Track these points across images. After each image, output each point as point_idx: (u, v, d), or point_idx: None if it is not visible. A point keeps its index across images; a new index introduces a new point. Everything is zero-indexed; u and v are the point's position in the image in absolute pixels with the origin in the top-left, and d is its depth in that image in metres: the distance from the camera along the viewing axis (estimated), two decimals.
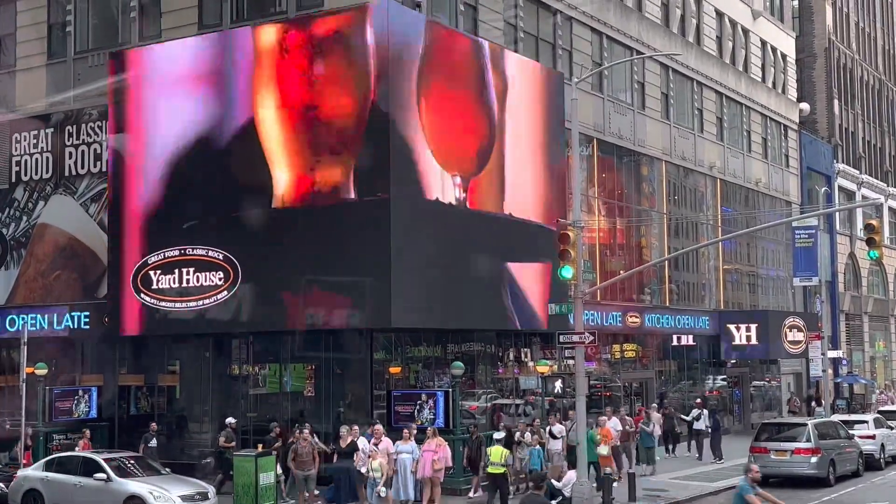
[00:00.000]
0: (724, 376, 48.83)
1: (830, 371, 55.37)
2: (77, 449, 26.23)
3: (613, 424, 28.36)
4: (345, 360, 29.20)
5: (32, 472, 24.14)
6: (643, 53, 42.01)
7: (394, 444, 22.80)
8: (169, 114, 29.07)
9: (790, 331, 45.11)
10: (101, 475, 22.29)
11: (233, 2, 30.29)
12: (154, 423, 28.50)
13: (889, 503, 26.30)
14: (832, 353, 56.39)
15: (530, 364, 33.23)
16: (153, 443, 26.93)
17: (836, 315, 60.78)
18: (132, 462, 23.62)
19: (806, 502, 26.87)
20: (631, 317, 39.80)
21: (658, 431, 33.32)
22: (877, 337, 71.63)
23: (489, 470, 23.47)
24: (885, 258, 71.65)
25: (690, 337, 44.96)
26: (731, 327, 46.39)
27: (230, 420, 26.37)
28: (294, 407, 29.45)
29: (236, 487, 23.96)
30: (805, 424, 30.69)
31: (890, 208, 75.09)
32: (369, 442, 22.77)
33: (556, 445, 25.64)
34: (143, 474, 22.90)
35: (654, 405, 37.54)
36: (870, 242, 23.04)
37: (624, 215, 41.23)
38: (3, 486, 24.36)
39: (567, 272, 23.75)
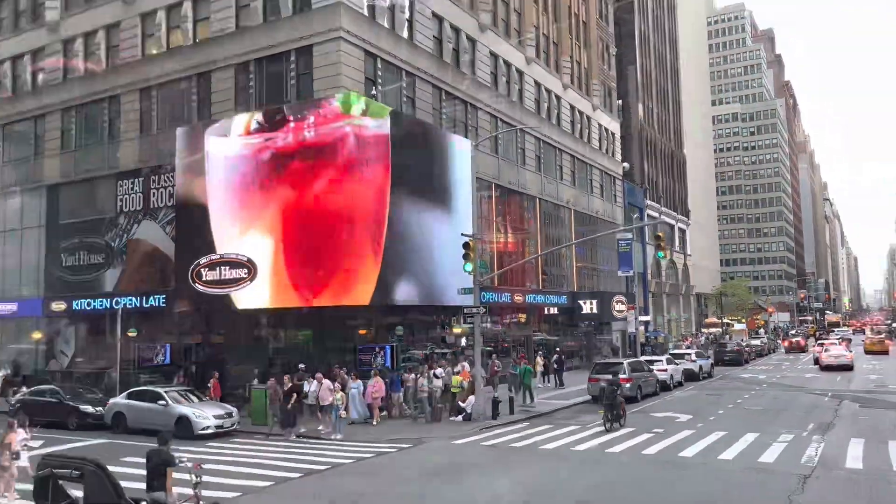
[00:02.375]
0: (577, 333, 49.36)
1: (642, 329, 56.27)
2: (209, 387, 25.51)
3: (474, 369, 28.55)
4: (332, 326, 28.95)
5: (119, 400, 23.91)
6: (525, 130, 42.53)
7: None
8: None
9: (616, 304, 45.73)
10: (162, 402, 22.51)
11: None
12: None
13: (672, 410, 26.88)
14: (643, 318, 57.27)
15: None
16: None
17: (647, 294, 62.01)
18: (183, 393, 23.37)
19: (631, 407, 27.25)
20: (517, 296, 40.18)
21: (540, 369, 34.04)
22: (671, 308, 73.29)
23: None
24: (675, 257, 73.43)
25: (556, 308, 45.45)
26: (581, 302, 46.96)
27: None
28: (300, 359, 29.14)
29: (254, 409, 24.09)
30: (622, 362, 31.26)
31: (679, 228, 76.89)
32: (310, 387, 22.58)
33: (438, 383, 25.03)
34: (189, 401, 22.69)
35: (538, 353, 38.03)
36: (658, 248, 23.74)
37: (513, 232, 41.66)
38: (100, 409, 24.01)
39: (468, 267, 24.05)
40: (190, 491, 10.56)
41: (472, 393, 24.93)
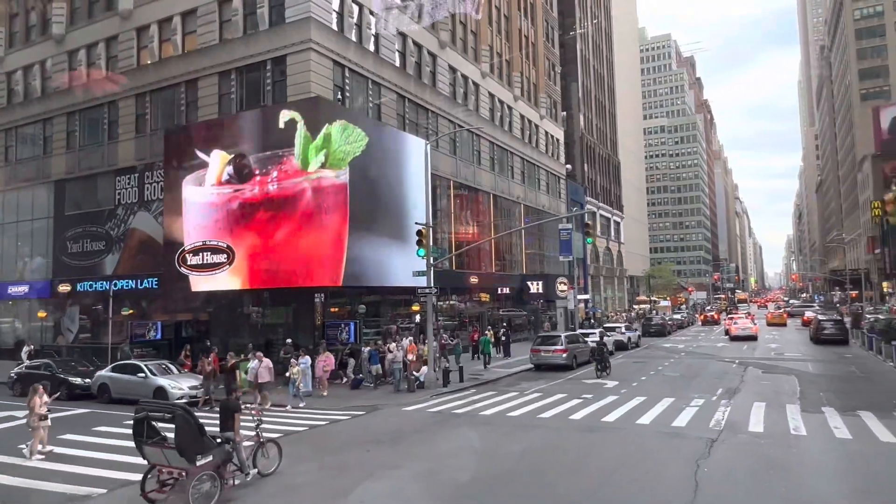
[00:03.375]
0: (525, 310, 47.97)
1: (582, 306, 55.14)
2: (209, 361, 22.09)
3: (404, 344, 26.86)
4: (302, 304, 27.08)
5: (104, 373, 21.92)
6: (481, 136, 40.89)
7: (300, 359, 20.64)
8: None
9: (559, 285, 44.51)
10: (142, 374, 20.57)
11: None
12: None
13: (602, 377, 25.62)
14: (583, 296, 56.10)
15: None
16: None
17: (587, 276, 60.82)
18: (163, 366, 21.38)
19: (561, 377, 26.00)
20: (473, 278, 38.67)
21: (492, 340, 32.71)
22: (608, 288, 72.27)
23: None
24: (611, 245, 72.35)
25: (508, 288, 44.01)
26: (529, 283, 45.60)
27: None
28: (274, 334, 27.27)
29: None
30: (560, 335, 29.85)
31: (615, 221, 75.82)
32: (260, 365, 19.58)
33: (399, 354, 23.14)
34: (166, 374, 20.76)
35: (491, 327, 36.58)
36: (587, 234, 22.32)
37: (469, 223, 40.06)
38: (88, 380, 22.08)
39: (421, 253, 22.42)
40: (252, 432, 11.78)
41: (425, 364, 23.42)
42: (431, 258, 23.22)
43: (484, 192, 41.81)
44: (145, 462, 10.23)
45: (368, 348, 23.60)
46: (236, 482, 10.75)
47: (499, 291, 43.67)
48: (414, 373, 22.72)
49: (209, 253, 25.80)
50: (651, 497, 10.17)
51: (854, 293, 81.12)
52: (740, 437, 14.16)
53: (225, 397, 12.11)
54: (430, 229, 23.15)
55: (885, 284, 72.20)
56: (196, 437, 9.88)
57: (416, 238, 22.48)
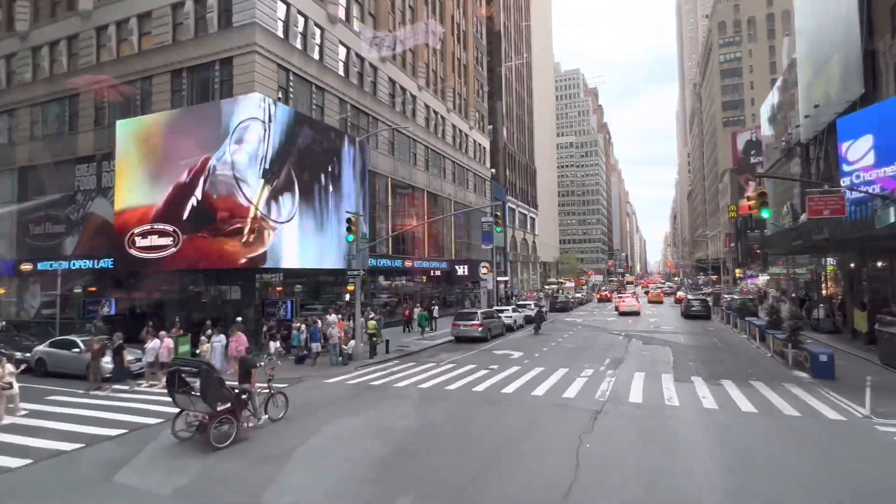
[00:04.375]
0: (458, 290, 46.14)
1: (502, 286, 53.77)
2: (173, 333, 18.76)
3: (333, 320, 24.61)
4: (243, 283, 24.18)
5: (41, 347, 18.59)
6: (415, 139, 38.55)
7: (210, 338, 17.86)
8: None
9: (482, 269, 42.79)
10: (77, 349, 17.20)
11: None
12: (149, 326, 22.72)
13: (509, 348, 23.92)
14: (503, 278, 54.76)
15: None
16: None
17: (506, 261, 59.55)
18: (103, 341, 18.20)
19: (476, 348, 24.15)
20: (408, 262, 36.44)
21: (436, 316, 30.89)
22: (524, 271, 71.44)
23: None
24: (527, 236, 71.35)
25: (440, 271, 42.02)
26: (457, 267, 43.77)
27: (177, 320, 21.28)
28: (222, 312, 24.27)
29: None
30: (476, 311, 27.95)
31: (531, 217, 74.90)
32: (160, 345, 16.38)
33: (333, 330, 20.73)
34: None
35: (418, 304, 34.43)
36: (496, 224, 20.51)
37: (405, 217, 37.73)
38: (27, 354, 18.69)
39: (350, 238, 20.03)
40: (265, 385, 11.90)
41: (353, 338, 21.15)
42: (360, 244, 20.87)
43: (419, 189, 39.56)
44: (175, 408, 10.53)
45: (300, 325, 20.94)
46: (250, 425, 10.84)
47: (432, 274, 41.70)
48: (343, 346, 20.43)
49: (157, 236, 22.61)
50: (533, 478, 8.36)
51: (714, 277, 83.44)
52: (621, 408, 12.63)
53: (245, 356, 11.74)
54: (360, 218, 20.78)
55: (737, 271, 74.41)
56: (217, 389, 10.01)
57: (347, 225, 20.05)
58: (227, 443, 9.85)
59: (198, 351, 17.18)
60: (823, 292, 36.42)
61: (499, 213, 20.58)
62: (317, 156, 24.69)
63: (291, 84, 25.89)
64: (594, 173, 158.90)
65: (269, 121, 21.61)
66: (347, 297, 26.89)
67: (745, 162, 79.68)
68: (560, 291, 70.85)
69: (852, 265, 31.04)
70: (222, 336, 16.86)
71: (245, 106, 21.86)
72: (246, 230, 20.87)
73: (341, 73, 30.20)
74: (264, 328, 21.16)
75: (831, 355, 16.63)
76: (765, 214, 14.11)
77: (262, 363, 12.74)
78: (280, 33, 25.21)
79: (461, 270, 44.30)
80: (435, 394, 14.57)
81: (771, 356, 20.96)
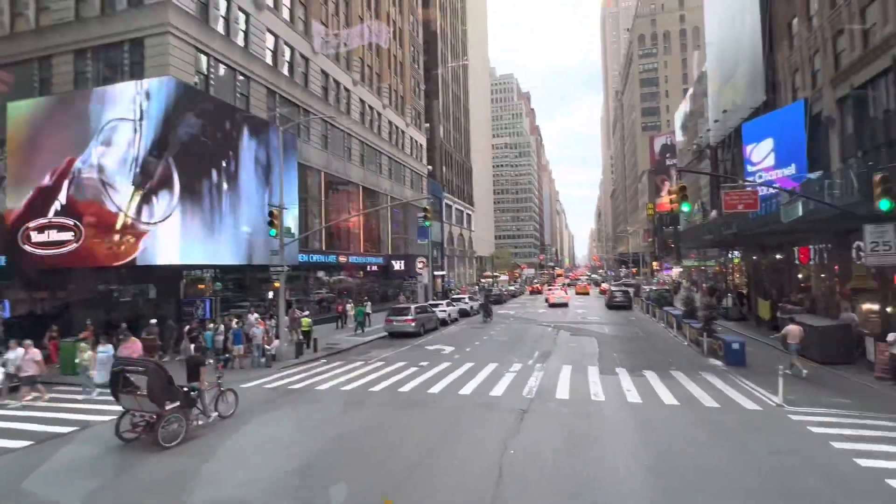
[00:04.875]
0: (396, 285, 44.60)
1: (440, 281, 52.84)
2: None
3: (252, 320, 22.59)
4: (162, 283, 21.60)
5: None
6: (351, 135, 36.65)
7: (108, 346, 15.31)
8: None
9: (418, 264, 41.60)
10: None
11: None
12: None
13: (442, 343, 22.84)
14: (440, 273, 53.85)
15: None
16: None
17: (443, 256, 58.63)
18: None
19: (409, 343, 22.87)
20: (342, 257, 34.56)
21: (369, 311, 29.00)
22: (461, 266, 70.91)
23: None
24: (463, 232, 70.78)
25: (376, 266, 40.37)
26: (393, 262, 42.30)
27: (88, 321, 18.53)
28: (137, 312, 21.56)
29: (62, 360, 16.56)
30: (410, 307, 26.57)
31: (467, 213, 74.47)
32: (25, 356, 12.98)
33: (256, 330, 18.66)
34: None
35: (350, 300, 32.66)
36: (425, 218, 19.28)
37: (339, 210, 35.77)
38: None
39: (273, 233, 18.14)
40: (214, 383, 11.28)
41: (277, 337, 19.26)
42: (284, 238, 18.97)
43: (354, 184, 37.68)
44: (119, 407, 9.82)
45: (217, 326, 18.75)
46: (199, 423, 10.37)
47: (369, 269, 40.01)
48: (266, 346, 18.52)
49: (55, 231, 19.58)
50: (451, 494, 7.21)
51: (634, 270, 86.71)
52: (548, 405, 11.80)
53: (193, 354, 11.62)
54: (282, 211, 18.88)
55: (654, 263, 77.58)
56: (165, 388, 9.51)
57: (268, 219, 18.11)
58: (177, 441, 9.36)
59: (77, 360, 14.62)
60: (730, 283, 38.09)
61: (428, 207, 19.15)
62: (214, 146, 22.06)
63: (212, 70, 23.40)
64: (527, 173, 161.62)
65: (142, 118, 18.73)
66: (271, 294, 24.74)
67: (661, 164, 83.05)
68: (495, 285, 70.91)
69: (754, 258, 32.50)
70: (109, 346, 14.37)
71: (114, 103, 19.13)
72: (116, 237, 18.44)
73: (269, 62, 27.86)
74: (186, 328, 18.79)
75: (743, 344, 16.76)
76: (685, 208, 13.76)
77: (211, 361, 11.61)
78: (197, 15, 22.64)
79: (398, 265, 42.86)
80: (357, 397, 13.16)
81: (687, 344, 21.15)
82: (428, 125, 58.84)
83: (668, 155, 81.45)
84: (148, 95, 19.03)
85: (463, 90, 77.85)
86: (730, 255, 38.06)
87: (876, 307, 17.72)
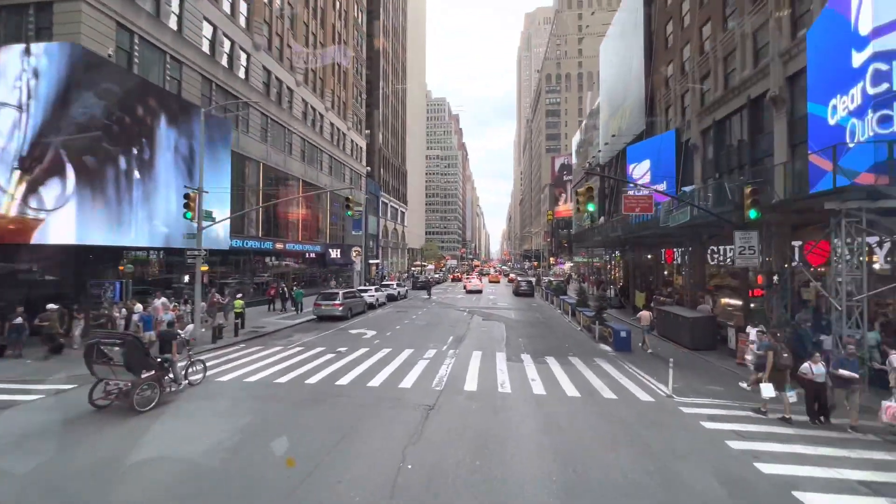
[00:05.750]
0: (333, 272, 40.82)
1: (375, 268, 49.63)
2: None
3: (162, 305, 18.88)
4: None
5: None
6: (292, 131, 32.49)
7: None
8: None
9: (353, 253, 38.26)
10: None
11: None
12: None
13: (366, 327, 20.11)
14: (374, 261, 50.62)
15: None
16: None
17: (378, 247, 55.32)
18: None
19: (335, 327, 19.82)
20: (278, 244, 30.51)
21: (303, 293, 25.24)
22: (394, 256, 67.75)
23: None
24: (397, 226, 67.63)
25: (314, 254, 36.45)
26: (331, 250, 38.59)
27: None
28: (42, 292, 16.75)
29: None
30: (338, 292, 23.44)
31: (401, 211, 71.30)
32: None
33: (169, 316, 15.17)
34: None
35: (283, 284, 28.78)
36: (348, 208, 16.42)
37: (280, 202, 31.57)
38: None
39: (188, 216, 14.40)
40: (186, 354, 10.95)
41: (192, 322, 15.59)
42: (204, 223, 15.24)
43: (294, 178, 33.57)
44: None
45: (122, 310, 14.80)
46: (172, 389, 9.80)
47: (307, 256, 36.04)
48: (179, 332, 14.81)
49: None
50: None
51: (535, 263, 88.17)
52: (456, 400, 9.58)
53: (166, 329, 10.53)
54: (200, 195, 15.13)
55: (551, 259, 79.18)
56: (142, 358, 8.94)
57: (184, 202, 14.36)
58: (151, 406, 8.82)
59: None
60: (610, 277, 38.56)
61: (350, 197, 16.26)
62: (174, 132, 18.08)
63: (136, 48, 18.78)
64: (454, 181, 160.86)
65: (29, 97, 14.27)
66: (187, 278, 20.62)
67: (560, 179, 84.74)
68: (422, 272, 68.60)
69: (632, 257, 32.82)
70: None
71: (3, 73, 14.54)
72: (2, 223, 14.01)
73: (206, 50, 23.34)
74: (75, 309, 14.58)
75: (629, 332, 15.68)
76: (590, 207, 12.11)
77: (182, 334, 11.32)
78: None
79: (334, 254, 39.24)
80: (258, 391, 10.22)
81: (580, 330, 20.04)
82: (369, 131, 55.14)
83: (564, 172, 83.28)
84: (36, 75, 14.38)
85: (401, 104, 74.43)
86: (613, 254, 38.46)
87: (735, 302, 17.47)
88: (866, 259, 10.62)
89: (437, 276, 64.02)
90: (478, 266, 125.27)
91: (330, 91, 40.01)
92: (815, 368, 8.41)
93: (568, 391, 10.27)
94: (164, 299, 15.82)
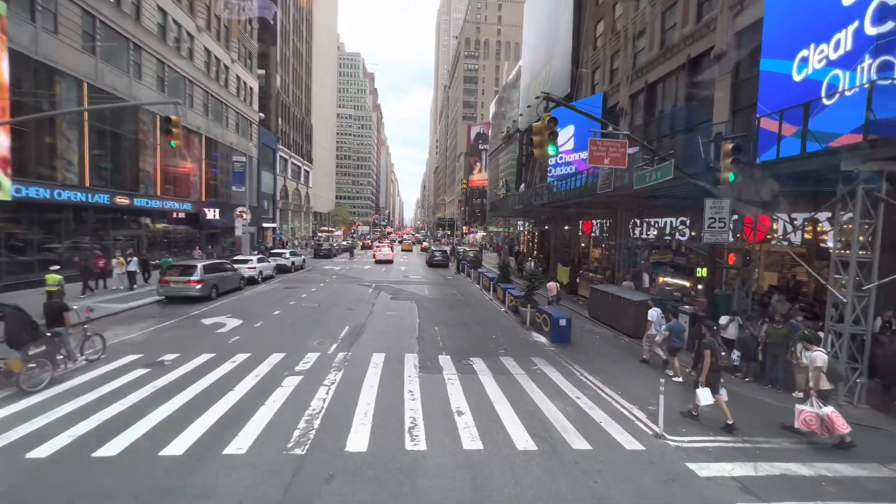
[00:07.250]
0: (204, 234, 32.61)
1: (270, 233, 41.81)
2: None
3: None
4: None
5: None
6: (144, 49, 23.37)
7: None
8: None
9: (239, 215, 30.54)
10: None
11: None
12: None
13: (231, 312, 14.23)
14: (270, 225, 42.75)
15: None
16: None
17: (275, 209, 46.91)
18: None
19: (187, 312, 13.98)
20: (120, 198, 22.18)
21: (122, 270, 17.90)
22: (296, 220, 59.09)
23: None
24: (300, 187, 58.91)
25: (183, 213, 28.08)
26: (206, 209, 30.45)
27: None
28: None
29: None
30: (197, 265, 16.92)
31: (305, 170, 62.30)
32: None
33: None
34: None
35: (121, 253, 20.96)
36: (170, 138, 10.31)
37: (124, 140, 22.78)
38: None
39: None
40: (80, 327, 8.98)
41: None
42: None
43: (148, 112, 24.64)
44: None
45: None
46: (67, 366, 8.30)
47: (175, 216, 27.61)
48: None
49: None
50: None
51: (449, 232, 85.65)
52: (323, 493, 5.01)
53: (50, 300, 8.63)
54: None
55: (464, 228, 77.01)
56: (27, 332, 7.49)
57: None
58: (42, 386, 7.26)
59: None
60: (525, 248, 36.49)
61: (173, 117, 10.08)
62: None
63: None
64: (367, 143, 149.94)
65: None
66: None
67: (475, 148, 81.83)
68: (328, 239, 61.32)
69: (546, 228, 30.71)
70: None
71: None
72: None
73: None
74: None
75: (569, 319, 12.38)
76: (551, 151, 8.07)
77: (76, 307, 8.84)
78: None
79: (211, 214, 31.16)
80: None
81: (505, 311, 16.62)
82: (263, 72, 45.30)
83: (480, 141, 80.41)
84: None
85: (307, 47, 63.59)
86: (528, 225, 36.27)
87: (675, 281, 15.26)
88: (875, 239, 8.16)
89: (345, 242, 57.50)
90: (391, 233, 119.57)
91: (204, 6, 30.37)
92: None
93: (515, 436, 6.28)
94: None
